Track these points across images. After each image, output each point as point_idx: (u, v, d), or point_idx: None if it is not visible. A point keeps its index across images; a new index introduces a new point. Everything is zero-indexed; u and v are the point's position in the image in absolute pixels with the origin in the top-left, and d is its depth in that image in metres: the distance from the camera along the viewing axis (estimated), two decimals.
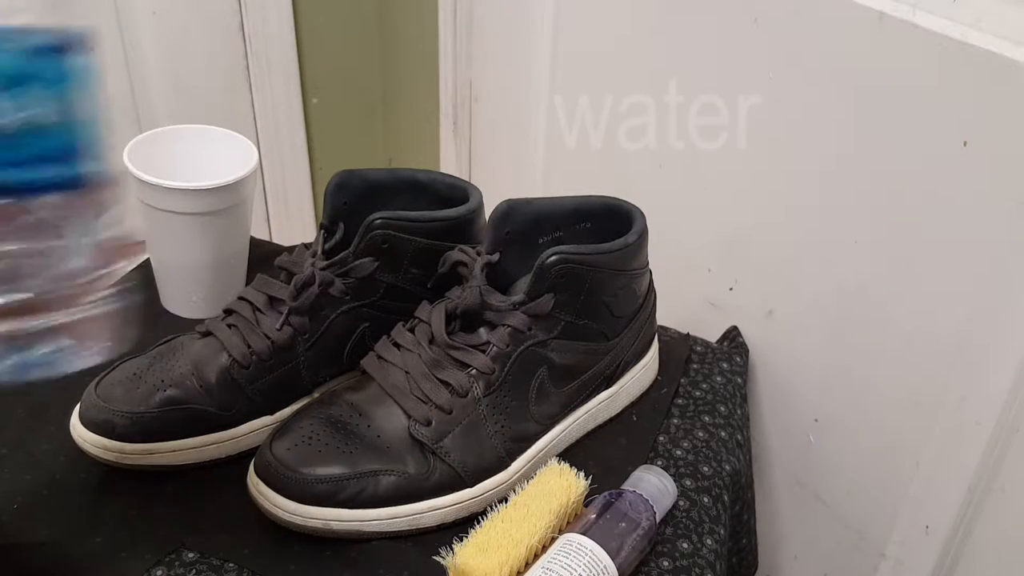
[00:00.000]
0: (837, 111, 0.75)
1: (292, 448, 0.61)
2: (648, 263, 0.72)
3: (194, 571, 0.60)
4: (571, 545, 0.58)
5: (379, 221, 0.66)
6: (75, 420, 0.65)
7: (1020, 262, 0.66)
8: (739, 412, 0.80)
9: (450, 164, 1.30)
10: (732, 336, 0.90)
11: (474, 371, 0.64)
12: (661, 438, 0.73)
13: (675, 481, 0.67)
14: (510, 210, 0.66)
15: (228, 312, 0.69)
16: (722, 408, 0.77)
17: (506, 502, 0.62)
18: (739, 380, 0.83)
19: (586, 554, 0.58)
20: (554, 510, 0.60)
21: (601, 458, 0.70)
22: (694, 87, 0.88)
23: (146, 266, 0.84)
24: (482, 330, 0.65)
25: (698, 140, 0.89)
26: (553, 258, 0.63)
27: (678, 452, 0.72)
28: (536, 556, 0.59)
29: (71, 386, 0.70)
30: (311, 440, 0.61)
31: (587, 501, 0.64)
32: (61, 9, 0.45)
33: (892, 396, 0.78)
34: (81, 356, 0.48)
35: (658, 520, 0.64)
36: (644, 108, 0.94)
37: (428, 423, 0.63)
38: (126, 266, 0.54)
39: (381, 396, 0.64)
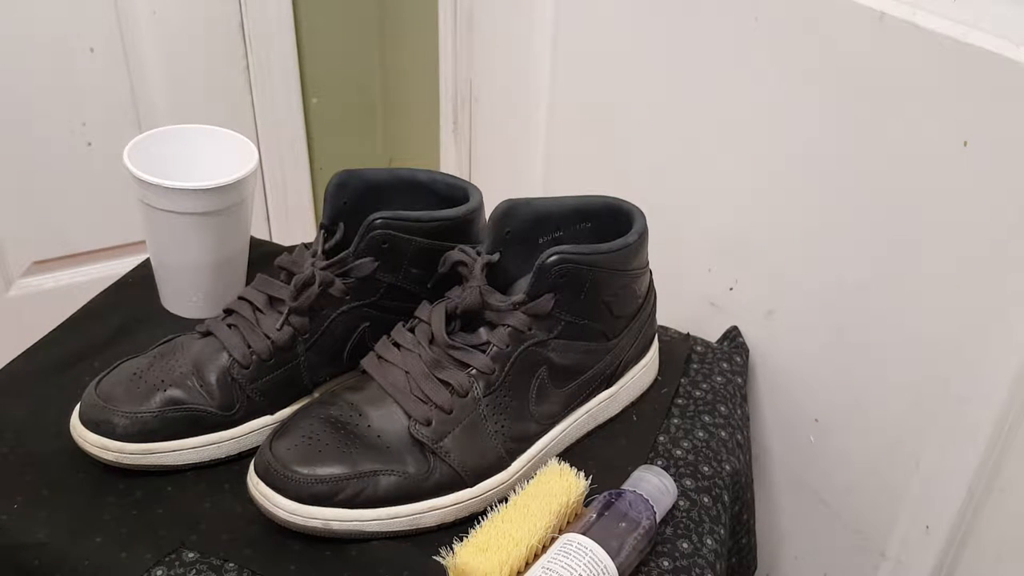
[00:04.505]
0: (837, 111, 0.75)
1: (292, 448, 0.61)
2: (648, 263, 0.72)
3: (194, 571, 0.60)
4: (571, 545, 0.58)
5: (379, 221, 0.66)
6: (75, 420, 0.65)
7: (1020, 262, 0.66)
8: (739, 412, 0.80)
9: (450, 164, 1.30)
10: (732, 336, 0.90)
11: (474, 371, 0.64)
12: (661, 438, 0.73)
13: (675, 481, 0.67)
14: (510, 210, 0.66)
15: (228, 312, 0.69)
16: (722, 408, 0.77)
17: (506, 502, 0.62)
18: (739, 380, 0.83)
19: (586, 554, 0.58)
20: (554, 510, 0.60)
21: (601, 458, 0.70)
22: (694, 87, 0.88)
23: (146, 266, 0.84)
24: (482, 330, 0.65)
25: (698, 140, 0.89)
26: (553, 258, 0.63)
27: (678, 452, 0.72)
28: (536, 556, 0.59)
29: (71, 386, 0.70)
30: (311, 440, 0.61)
31: (587, 501, 0.64)
32: None
33: (892, 396, 0.78)
34: None
35: (658, 520, 0.64)
36: (644, 107, 0.94)
37: (428, 423, 0.63)
38: None
39: (381, 396, 0.64)
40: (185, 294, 0.79)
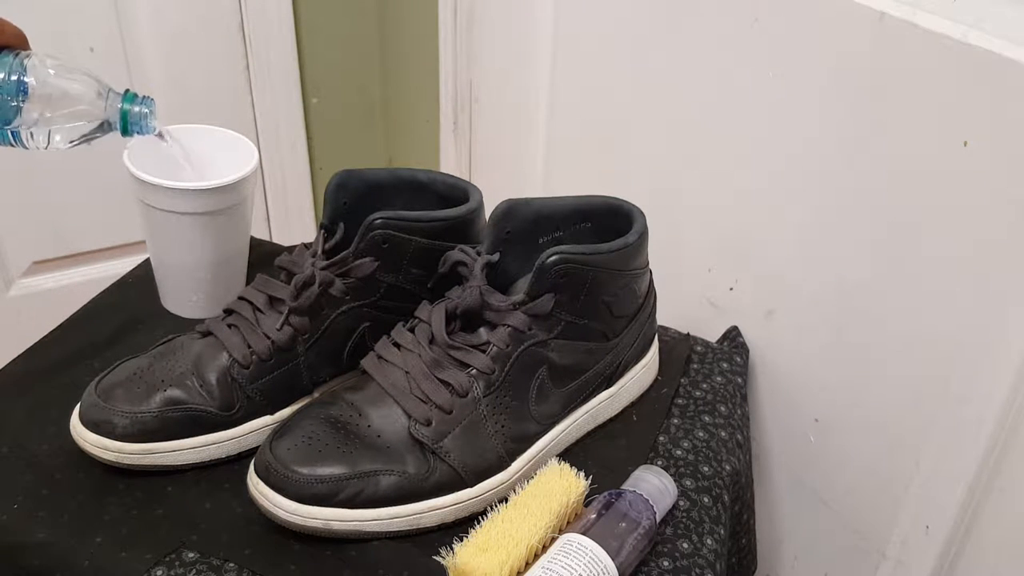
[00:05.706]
0: (837, 111, 0.75)
1: (292, 448, 0.61)
2: (648, 263, 0.72)
3: (194, 571, 0.60)
4: (571, 545, 0.58)
5: (379, 221, 0.66)
6: (75, 420, 0.65)
7: (1020, 262, 0.66)
8: (739, 412, 0.80)
9: (450, 164, 1.31)
10: (732, 336, 0.90)
11: (474, 371, 0.64)
12: (661, 438, 0.73)
13: (675, 481, 0.67)
14: (510, 210, 0.66)
15: (228, 312, 0.69)
16: (722, 408, 0.77)
17: (506, 502, 0.62)
18: (739, 380, 0.83)
19: (586, 554, 0.58)
20: (554, 510, 0.60)
21: (601, 458, 0.70)
22: (694, 87, 0.88)
23: (146, 266, 0.84)
24: (482, 330, 0.65)
25: (698, 140, 0.89)
26: (553, 258, 0.63)
27: (678, 452, 0.72)
28: (536, 556, 0.59)
29: (71, 386, 0.70)
30: (311, 440, 0.61)
31: (587, 501, 0.64)
32: None
33: (892, 396, 0.78)
34: None
35: (658, 520, 0.64)
36: (644, 108, 0.94)
37: (428, 423, 0.63)
38: None
39: (381, 396, 0.64)
40: (185, 294, 0.79)
